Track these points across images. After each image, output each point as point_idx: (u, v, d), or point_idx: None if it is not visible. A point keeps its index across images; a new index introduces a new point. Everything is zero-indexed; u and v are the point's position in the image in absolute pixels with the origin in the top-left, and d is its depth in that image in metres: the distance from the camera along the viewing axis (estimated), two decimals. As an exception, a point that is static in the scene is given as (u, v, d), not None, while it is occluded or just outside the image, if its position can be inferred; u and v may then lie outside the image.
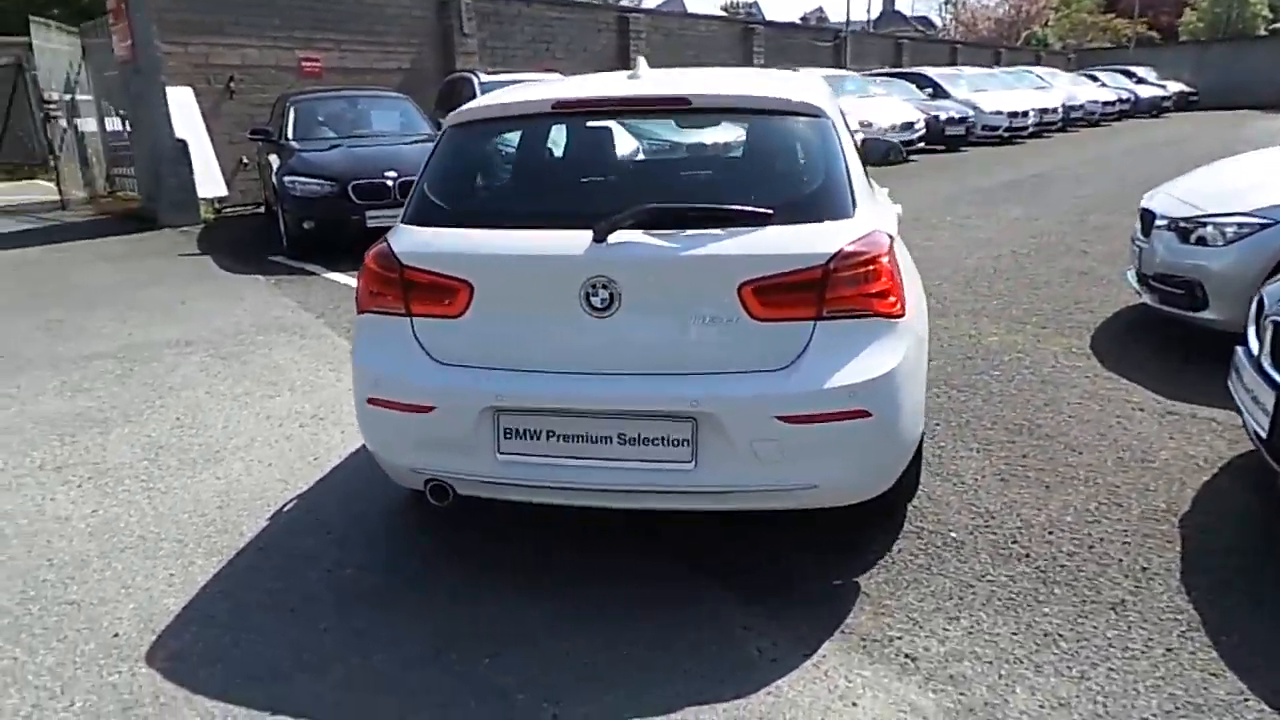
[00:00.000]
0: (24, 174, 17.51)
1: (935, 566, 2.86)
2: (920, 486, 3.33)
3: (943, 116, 17.31)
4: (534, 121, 2.80)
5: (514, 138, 2.90)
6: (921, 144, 16.14)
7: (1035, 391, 4.37)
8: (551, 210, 2.64)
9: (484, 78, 11.48)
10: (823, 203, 2.59)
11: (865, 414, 2.46)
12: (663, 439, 2.47)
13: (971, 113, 18.10)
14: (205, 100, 11.32)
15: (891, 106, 16.16)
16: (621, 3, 40.85)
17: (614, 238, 2.46)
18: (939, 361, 4.83)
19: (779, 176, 2.76)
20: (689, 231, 2.46)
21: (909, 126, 15.68)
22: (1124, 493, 3.28)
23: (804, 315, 2.45)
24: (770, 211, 2.49)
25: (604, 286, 2.45)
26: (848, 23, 24.06)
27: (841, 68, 21.49)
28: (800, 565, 2.88)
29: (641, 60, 3.00)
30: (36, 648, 2.54)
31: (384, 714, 2.24)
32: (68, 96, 12.52)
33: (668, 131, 2.91)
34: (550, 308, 2.50)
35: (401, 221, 2.77)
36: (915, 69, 21.49)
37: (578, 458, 2.52)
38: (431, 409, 2.59)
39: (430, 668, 2.41)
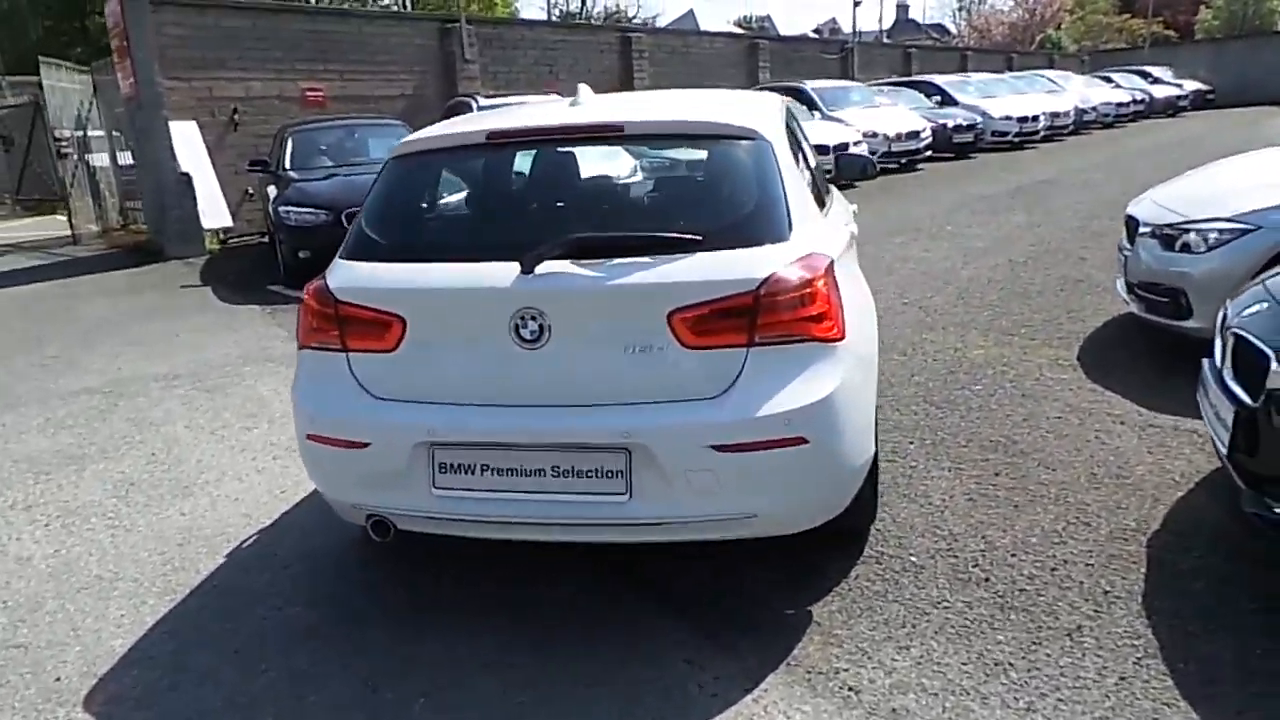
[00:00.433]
0: (45, 209, 17.87)
1: (891, 593, 2.79)
2: (885, 509, 3.27)
3: (950, 124, 17.18)
4: (470, 153, 2.79)
5: (465, 168, 2.88)
6: (928, 152, 16.02)
7: (1015, 406, 4.28)
8: (483, 242, 2.62)
9: (484, 101, 11.55)
10: (757, 226, 2.55)
11: (802, 441, 2.41)
12: (596, 471, 2.44)
13: (979, 119, 17.94)
14: (210, 133, 11.48)
15: (897, 116, 16.07)
16: (634, 19, 41.38)
17: (541, 269, 2.43)
18: (920, 377, 4.76)
19: (713, 201, 2.73)
20: (616, 260, 2.43)
21: (915, 135, 15.57)
22: (1094, 511, 3.19)
23: (736, 342, 2.40)
24: (699, 237, 2.46)
25: (533, 318, 2.42)
26: (855, 34, 23.92)
27: (849, 78, 21.44)
28: (756, 594, 2.82)
29: (583, 88, 2.98)
30: (-20, 692, 2.54)
31: (310, 758, 2.22)
32: (79, 133, 12.77)
33: (610, 159, 2.90)
34: (481, 341, 2.47)
35: (339, 256, 2.76)
36: (923, 77, 21.38)
37: (512, 491, 2.49)
38: (367, 445, 2.57)
39: (362, 709, 2.38)
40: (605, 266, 2.43)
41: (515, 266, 2.44)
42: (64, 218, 13.14)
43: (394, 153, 2.88)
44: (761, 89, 17.07)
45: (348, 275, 2.65)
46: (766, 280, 2.40)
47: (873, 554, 3.02)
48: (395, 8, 30.83)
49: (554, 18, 32.49)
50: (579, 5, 42.59)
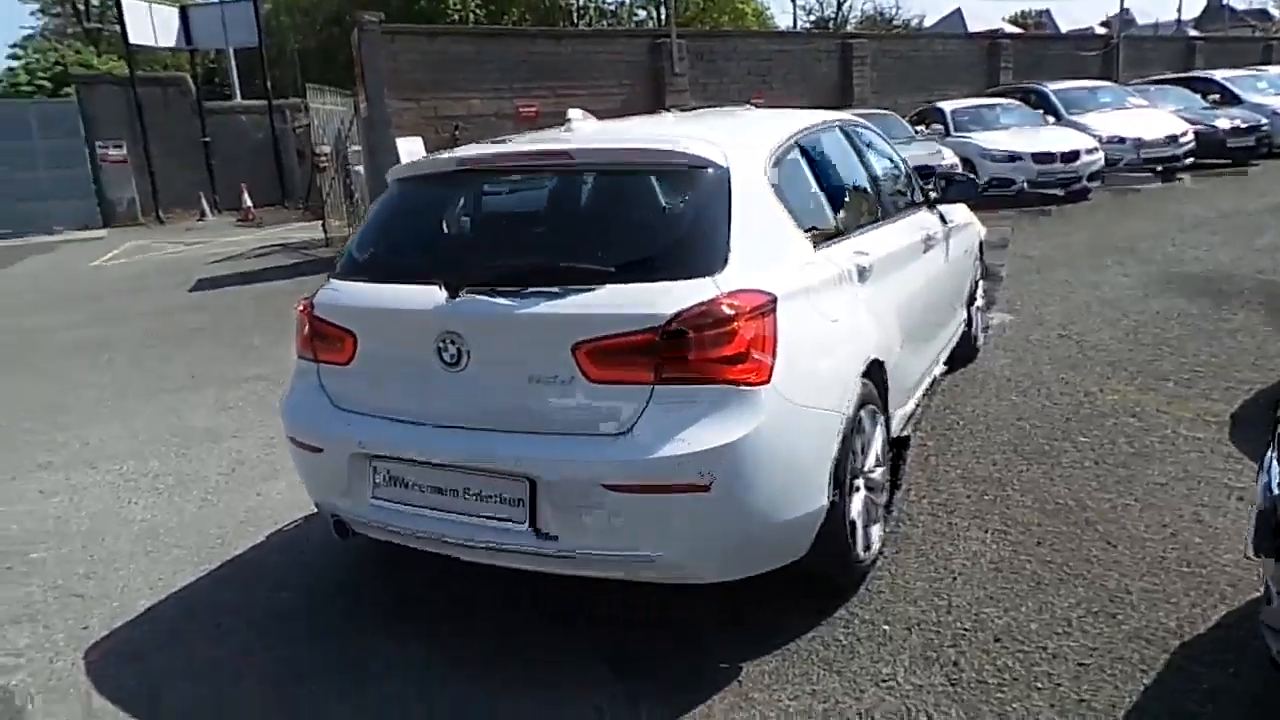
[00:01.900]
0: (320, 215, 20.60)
1: (838, 662, 2.54)
2: (893, 566, 2.98)
3: (1224, 126, 14.88)
4: (446, 180, 2.89)
5: (441, 194, 2.97)
6: (1189, 160, 13.99)
7: (1116, 465, 3.68)
8: (425, 265, 2.71)
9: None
10: (683, 259, 2.43)
11: (702, 488, 2.27)
12: (499, 497, 2.45)
13: (1265, 120, 15.37)
14: (432, 147, 12.65)
15: (1151, 119, 14.18)
16: (893, 21, 39.81)
17: (465, 294, 2.49)
18: (1025, 422, 4.23)
19: (646, 231, 2.62)
20: (531, 290, 2.42)
21: (1172, 140, 13.64)
22: (1131, 602, 2.69)
23: (640, 379, 2.31)
24: (610, 270, 2.40)
25: (453, 341, 2.48)
26: (1120, 26, 21.31)
27: (1112, 78, 19.26)
28: (701, 639, 2.68)
29: (574, 113, 2.99)
30: (31, 626, 3.03)
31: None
32: (338, 148, 14.57)
33: (580, 186, 2.88)
34: (412, 360, 2.56)
35: (330, 275, 2.98)
36: (1204, 73, 18.68)
37: (433, 509, 2.56)
38: (321, 450, 2.76)
39: (303, 682, 2.57)
40: (520, 295, 2.43)
41: (443, 290, 2.51)
42: (335, 221, 15.16)
43: (392, 175, 3.05)
44: (992, 92, 15.85)
45: (327, 293, 2.86)
46: (675, 317, 2.28)
47: (846, 614, 2.76)
48: (608, 25, 31.90)
49: (806, 25, 32.12)
50: (834, 11, 41.82)
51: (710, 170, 2.57)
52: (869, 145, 3.83)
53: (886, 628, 2.68)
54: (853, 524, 2.81)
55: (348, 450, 2.66)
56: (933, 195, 4.37)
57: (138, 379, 6.57)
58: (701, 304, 2.30)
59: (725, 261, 2.41)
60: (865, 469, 2.93)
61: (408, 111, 12.22)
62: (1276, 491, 2.08)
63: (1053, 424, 4.21)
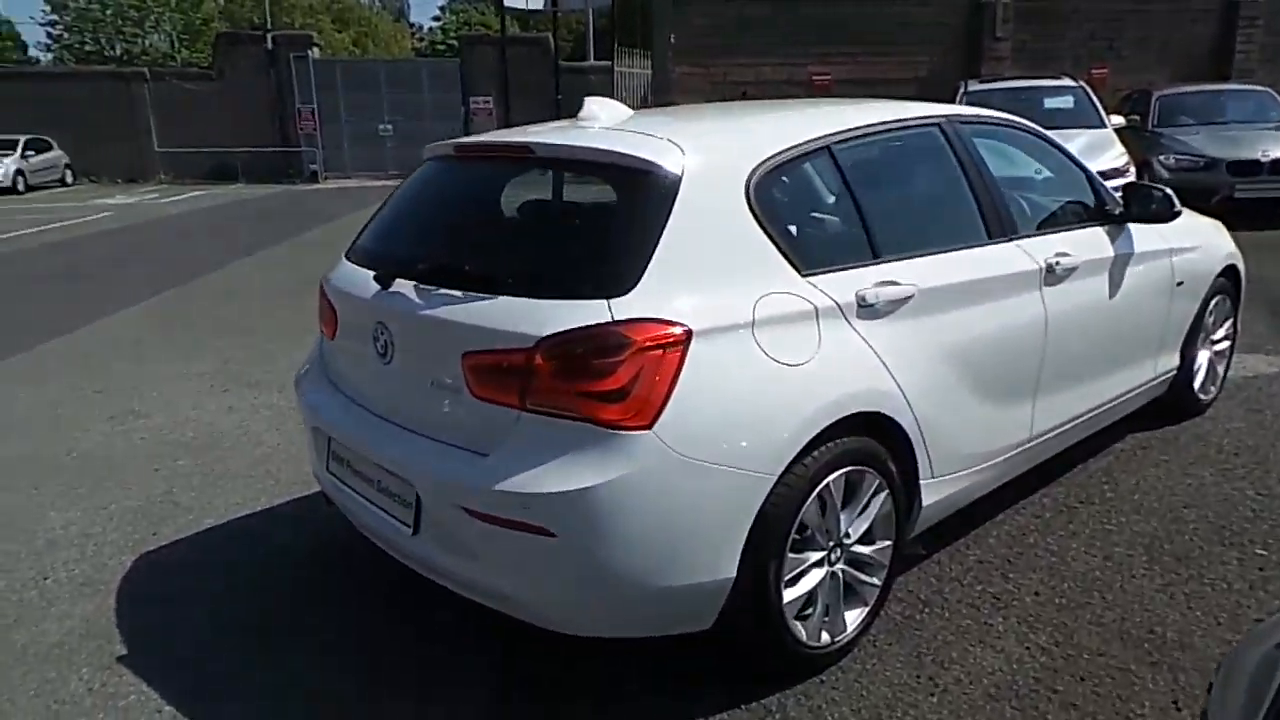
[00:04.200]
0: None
1: (717, 756, 2.20)
2: (873, 659, 2.51)
3: None
4: (445, 163, 2.82)
5: (446, 178, 2.89)
6: None
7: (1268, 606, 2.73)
8: (383, 252, 2.69)
9: (973, 86, 10.54)
10: (588, 276, 2.17)
11: (545, 532, 2.06)
12: (398, 497, 2.42)
13: None
14: (717, 113, 12.63)
15: None
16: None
17: (395, 286, 2.46)
18: (1191, 512, 3.29)
19: (569, 240, 2.35)
20: (443, 290, 2.33)
21: None
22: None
23: (510, 402, 2.13)
24: (511, 278, 2.22)
25: (383, 333, 2.48)
26: None
27: None
28: (607, 685, 2.47)
29: (590, 101, 2.76)
30: (120, 525, 3.59)
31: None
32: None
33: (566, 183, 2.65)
34: (360, 347, 2.59)
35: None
36: None
37: (358, 494, 2.60)
38: (305, 419, 2.93)
39: (221, 654, 2.75)
40: (432, 294, 2.35)
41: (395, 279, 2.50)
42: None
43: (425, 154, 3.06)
44: None
45: (334, 271, 2.97)
46: (546, 339, 2.07)
47: (775, 704, 2.37)
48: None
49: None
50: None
51: (655, 177, 2.25)
52: (994, 150, 3.11)
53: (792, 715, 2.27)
54: (807, 603, 2.39)
55: (313, 421, 2.80)
56: (1117, 211, 3.49)
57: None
58: (578, 329, 2.05)
59: (634, 283, 2.12)
60: (845, 542, 2.47)
61: (694, 77, 12.28)
62: None
63: (1232, 523, 3.22)
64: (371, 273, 2.54)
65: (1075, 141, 8.76)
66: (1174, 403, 4.09)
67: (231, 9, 47.06)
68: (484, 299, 2.22)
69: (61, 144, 24.17)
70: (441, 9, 64.02)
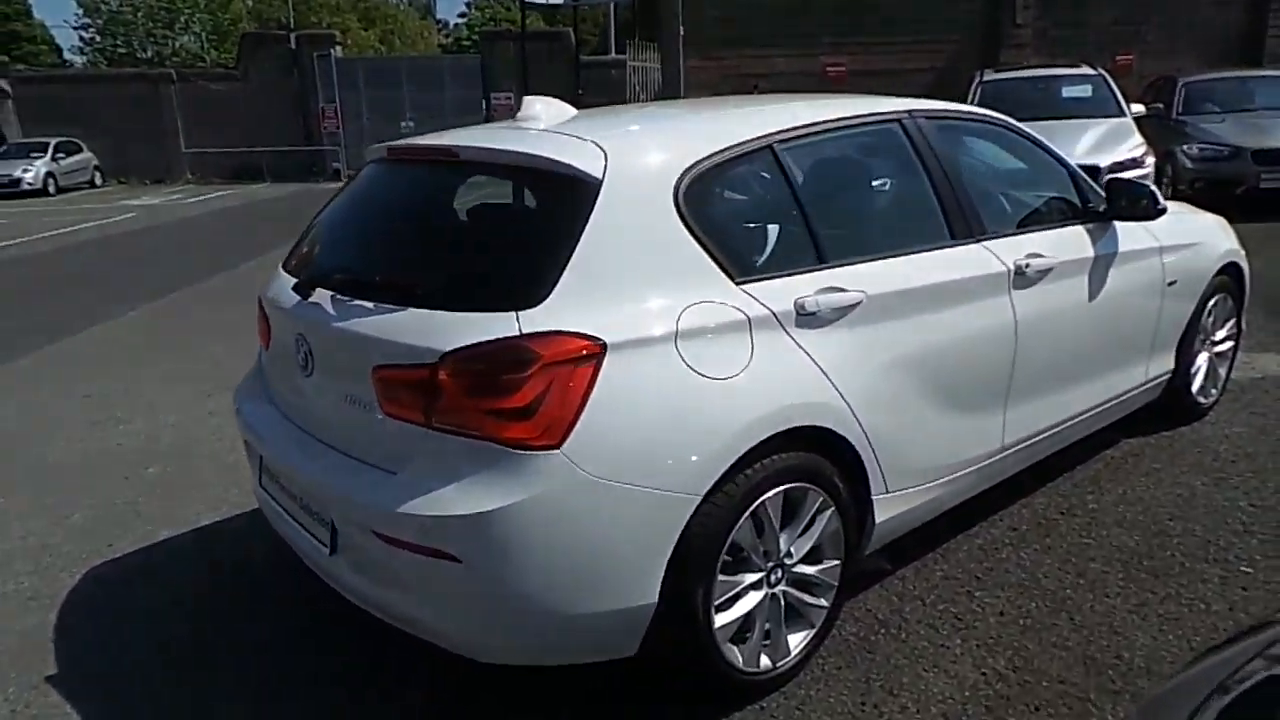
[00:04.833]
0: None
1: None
2: (818, 684, 2.39)
3: None
4: (382, 167, 2.72)
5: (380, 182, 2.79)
6: None
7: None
8: (309, 260, 2.60)
9: (989, 75, 10.27)
10: (498, 287, 2.07)
11: (450, 558, 1.97)
12: (317, 515, 2.34)
13: None
14: (729, 107, 12.46)
15: None
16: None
17: (314, 296, 2.38)
18: (1177, 525, 3.12)
19: (484, 249, 2.25)
20: (356, 301, 2.24)
21: None
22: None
23: (416, 419, 2.04)
24: (421, 289, 2.13)
25: (303, 344, 2.40)
26: None
27: None
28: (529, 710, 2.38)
29: (529, 100, 2.64)
30: (84, 537, 3.56)
31: None
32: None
33: (491, 186, 2.54)
34: (287, 357, 2.51)
35: None
36: None
37: (284, 510, 2.53)
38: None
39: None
40: (347, 305, 2.26)
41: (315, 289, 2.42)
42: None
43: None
44: None
45: (271, 279, 2.87)
46: (450, 355, 1.97)
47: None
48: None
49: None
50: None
51: (572, 182, 2.14)
52: (959, 147, 2.94)
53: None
54: (745, 626, 2.28)
55: (245, 434, 2.73)
56: (1101, 209, 3.31)
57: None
58: (482, 344, 1.95)
59: (546, 295, 2.01)
60: (787, 562, 2.35)
61: (705, 69, 12.12)
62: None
63: (1219, 537, 3.04)
64: (295, 282, 2.46)
65: (1093, 131, 8.51)
66: (1170, 407, 3.90)
67: (259, 9, 47.59)
68: (394, 311, 2.13)
69: (91, 146, 24.57)
70: (468, 5, 64.31)
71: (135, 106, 25.16)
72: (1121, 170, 7.99)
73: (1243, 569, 2.85)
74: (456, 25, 57.37)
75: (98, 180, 24.62)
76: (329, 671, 2.57)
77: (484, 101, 24.31)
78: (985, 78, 10.10)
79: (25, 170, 21.79)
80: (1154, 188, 3.22)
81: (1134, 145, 8.34)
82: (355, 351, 2.18)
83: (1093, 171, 7.75)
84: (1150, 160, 8.38)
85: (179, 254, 12.04)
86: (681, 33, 11.64)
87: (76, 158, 23.97)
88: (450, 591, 2.03)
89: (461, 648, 2.13)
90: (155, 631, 2.82)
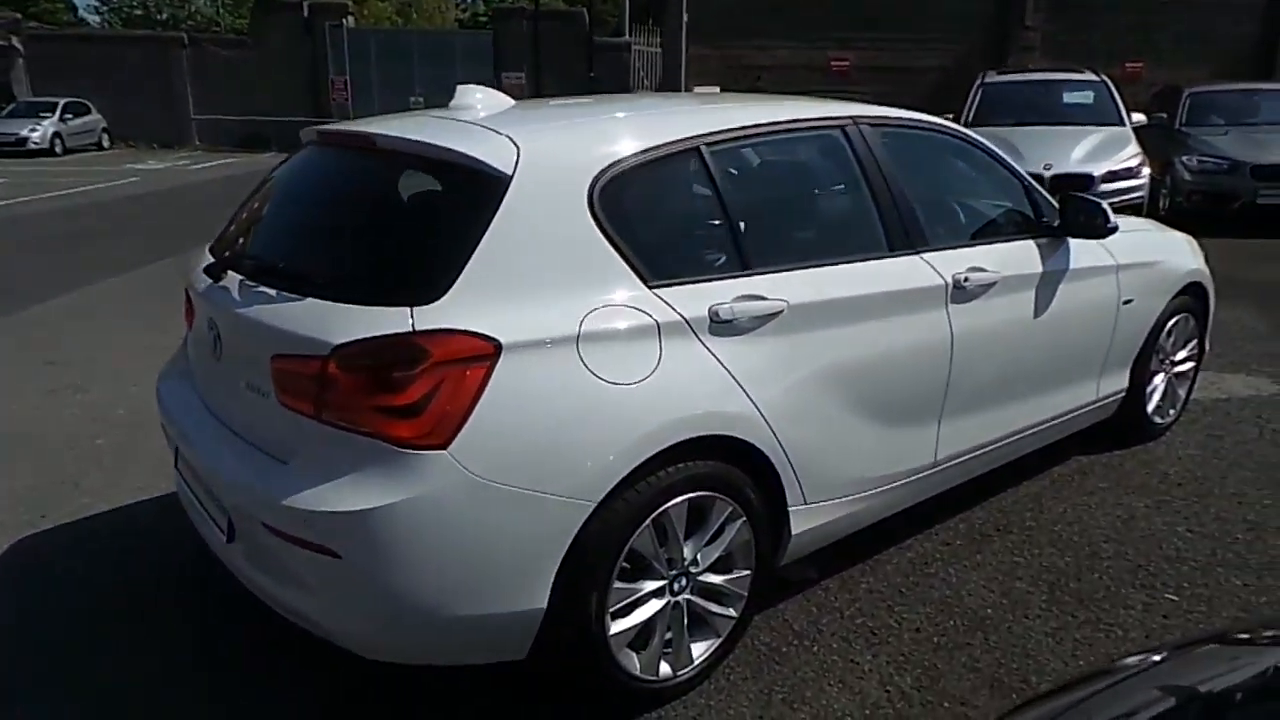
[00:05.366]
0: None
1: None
2: (719, 695, 2.38)
3: None
4: (312, 150, 2.68)
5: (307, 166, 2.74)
6: None
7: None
8: (226, 244, 2.57)
9: (991, 77, 10.14)
10: (395, 281, 2.03)
11: (331, 553, 1.95)
12: (217, 501, 2.32)
13: None
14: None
15: None
16: None
17: (225, 280, 2.35)
18: (1111, 547, 3.08)
19: (387, 241, 2.20)
20: (261, 288, 2.21)
21: None
22: None
23: (308, 411, 2.01)
24: (321, 280, 2.11)
25: (213, 328, 2.37)
26: None
27: None
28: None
29: (463, 89, 2.60)
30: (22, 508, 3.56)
31: None
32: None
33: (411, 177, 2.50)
34: (202, 340, 2.49)
35: None
36: None
37: (192, 495, 2.51)
38: (164, 410, 2.84)
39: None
40: (252, 291, 2.23)
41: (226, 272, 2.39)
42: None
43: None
44: None
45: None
46: (340, 348, 1.94)
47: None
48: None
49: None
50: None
51: (479, 176, 2.10)
52: (904, 157, 2.87)
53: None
54: (645, 634, 2.26)
55: (161, 416, 2.71)
56: (1055, 224, 3.25)
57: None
58: (372, 338, 1.93)
59: (444, 291, 1.98)
60: (692, 571, 2.33)
61: (707, 58, 12.01)
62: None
63: (1151, 562, 3.01)
64: (222, 266, 2.43)
65: (1089, 138, 8.42)
66: (1125, 426, 3.85)
67: (278, -26, 47.31)
68: (294, 300, 2.10)
69: (100, 108, 24.51)
70: (488, -20, 63.80)
71: (145, 69, 25.10)
72: (1115, 179, 7.92)
73: (1168, 596, 2.81)
74: (474, 0, 57.04)
75: (105, 142, 24.59)
76: (233, 659, 2.56)
77: (495, 80, 24.21)
78: (987, 79, 9.98)
79: (33, 130, 21.76)
80: (1105, 205, 3.15)
81: (1130, 155, 8.23)
82: (256, 339, 2.16)
83: (1086, 180, 7.69)
84: (1146, 171, 8.28)
85: (174, 220, 12.00)
86: (685, 20, 11.53)
87: (84, 119, 23.93)
88: (333, 587, 2.01)
89: (348, 644, 2.11)
90: (62, 611, 2.80)
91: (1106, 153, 8.14)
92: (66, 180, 16.20)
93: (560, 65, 23.24)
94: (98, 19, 45.13)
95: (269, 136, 24.64)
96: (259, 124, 24.82)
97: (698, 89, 12.03)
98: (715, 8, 12.07)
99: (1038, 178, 7.08)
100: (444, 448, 1.92)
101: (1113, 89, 9.33)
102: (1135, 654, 1.34)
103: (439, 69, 25.11)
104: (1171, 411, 4.04)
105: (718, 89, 12.30)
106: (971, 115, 9.33)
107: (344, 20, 25.50)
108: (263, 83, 24.89)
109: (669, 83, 12.02)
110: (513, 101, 2.72)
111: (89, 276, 7.87)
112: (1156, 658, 1.33)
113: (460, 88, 2.64)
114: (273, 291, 2.16)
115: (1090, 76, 9.59)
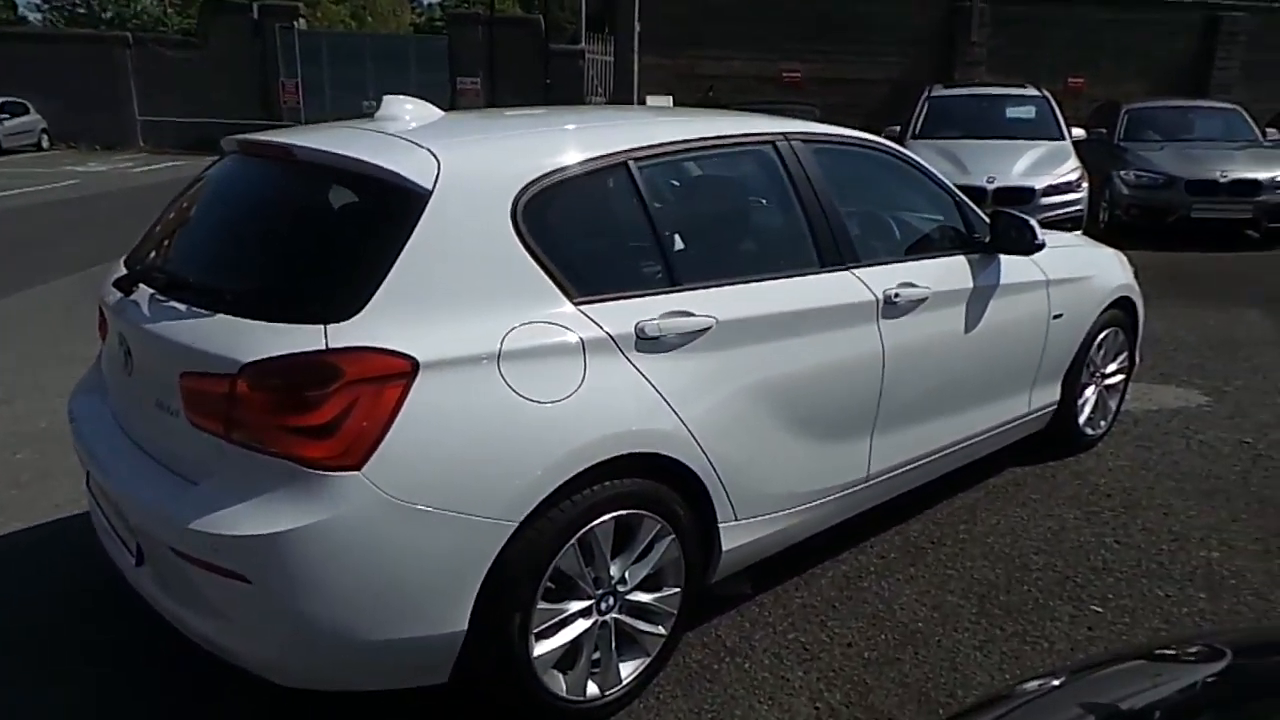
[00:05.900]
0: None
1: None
2: (652, 713, 2.35)
3: None
4: (233, 159, 2.60)
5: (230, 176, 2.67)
6: None
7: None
8: (139, 257, 2.49)
9: (937, 90, 10.32)
10: (309, 298, 1.98)
11: (240, 578, 1.88)
12: (125, 522, 2.24)
13: None
14: (686, 105, 12.39)
15: None
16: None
17: (135, 294, 2.27)
18: (1041, 559, 3.12)
19: (301, 256, 2.14)
20: (172, 302, 2.14)
21: None
22: None
23: (217, 431, 1.95)
24: (231, 295, 2.04)
25: (123, 343, 2.29)
26: None
27: None
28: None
29: (389, 100, 2.55)
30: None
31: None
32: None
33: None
34: (114, 354, 2.40)
35: None
36: None
37: (104, 515, 2.42)
38: (76, 426, 2.74)
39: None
40: (162, 306, 2.16)
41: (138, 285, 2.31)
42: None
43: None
44: None
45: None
46: (249, 366, 1.88)
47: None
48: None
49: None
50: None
51: (398, 191, 2.06)
52: (836, 173, 2.88)
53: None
54: (571, 654, 2.23)
55: (72, 434, 2.61)
56: (987, 240, 3.29)
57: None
58: (283, 356, 1.87)
59: (360, 308, 1.93)
60: (620, 590, 2.30)
61: (659, 68, 12.04)
62: None
63: (1078, 574, 3.05)
64: (132, 280, 2.35)
65: (1031, 153, 8.60)
66: (1057, 437, 3.92)
67: (229, -25, 46.46)
68: (204, 315, 2.04)
69: (41, 108, 23.79)
70: (446, -14, 63.42)
71: (88, 69, 24.42)
72: (1056, 193, 8.09)
73: (1093, 608, 2.85)
74: (431, 5, 56.67)
75: (44, 143, 23.87)
76: (147, 684, 2.47)
77: (450, 86, 23.99)
78: (933, 93, 10.16)
79: (-36, 130, 21.06)
80: (1034, 222, 3.20)
81: (1070, 169, 8.43)
82: (165, 355, 2.09)
83: (1028, 192, 7.87)
84: (1085, 185, 8.49)
85: (114, 225, 11.65)
86: (638, 29, 11.55)
87: (22, 119, 23.21)
88: (243, 613, 1.95)
89: (262, 671, 2.05)
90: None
91: (1048, 166, 8.33)
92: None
93: (516, 71, 23.11)
94: (39, 17, 43.85)
95: (217, 139, 23.91)
96: (207, 126, 24.19)
97: (650, 99, 12.04)
98: (668, 17, 12.11)
99: (981, 190, 7.32)
100: (358, 469, 1.87)
101: (1053, 104, 9.55)
102: (1035, 678, 1.33)
103: (393, 73, 24.79)
104: (1103, 423, 4.12)
105: (670, 99, 12.32)
106: (918, 128, 9.48)
107: (295, 22, 25.10)
108: (211, 84, 24.38)
109: (620, 92, 12.03)
110: (440, 113, 2.67)
111: (19, 283, 7.62)
112: (1055, 682, 1.33)
113: (387, 98, 2.59)
114: (183, 306, 2.09)
115: (1032, 92, 9.81)
